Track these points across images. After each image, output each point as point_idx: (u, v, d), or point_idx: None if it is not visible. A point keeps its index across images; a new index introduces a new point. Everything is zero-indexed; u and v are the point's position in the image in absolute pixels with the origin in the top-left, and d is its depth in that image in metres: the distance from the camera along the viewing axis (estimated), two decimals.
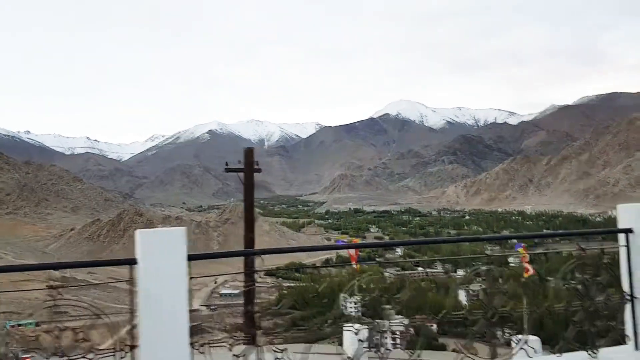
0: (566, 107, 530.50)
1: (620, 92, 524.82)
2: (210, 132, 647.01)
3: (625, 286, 3.83)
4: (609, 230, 4.49)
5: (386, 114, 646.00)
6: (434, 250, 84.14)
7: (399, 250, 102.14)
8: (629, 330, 3.80)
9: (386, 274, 75.65)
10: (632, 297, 3.72)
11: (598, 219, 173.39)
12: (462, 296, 47.63)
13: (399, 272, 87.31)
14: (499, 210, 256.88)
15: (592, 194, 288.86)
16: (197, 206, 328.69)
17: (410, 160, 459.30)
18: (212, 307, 76.15)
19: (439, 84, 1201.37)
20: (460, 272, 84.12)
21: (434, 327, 36.80)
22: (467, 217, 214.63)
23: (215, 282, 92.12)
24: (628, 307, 3.79)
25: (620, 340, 3.85)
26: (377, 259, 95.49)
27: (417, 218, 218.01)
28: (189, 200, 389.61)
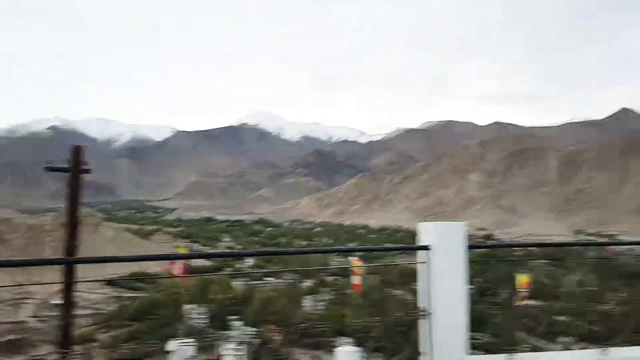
0: (411, 131, 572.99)
1: (456, 121, 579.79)
2: (52, 128, 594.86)
3: (422, 302, 3.90)
4: (409, 247, 4.57)
5: (245, 123, 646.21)
6: (283, 261, 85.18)
7: (250, 260, 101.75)
8: (423, 345, 3.85)
9: (235, 285, 74.89)
10: (428, 313, 3.82)
11: None
12: (308, 306, 48.78)
13: (248, 283, 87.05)
14: (346, 223, 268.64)
15: (429, 212, 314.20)
16: (31, 208, 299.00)
17: (266, 171, 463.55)
18: (42, 319, 69.52)
19: (297, 99, 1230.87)
20: (308, 283, 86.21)
21: (280, 337, 37.15)
22: (317, 229, 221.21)
23: (48, 293, 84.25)
24: (424, 322, 3.81)
25: (416, 355, 3.94)
26: (227, 269, 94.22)
27: (270, 228, 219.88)
28: (23, 201, 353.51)
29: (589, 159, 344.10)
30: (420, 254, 3.98)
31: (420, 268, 3.99)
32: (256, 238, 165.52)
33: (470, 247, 3.97)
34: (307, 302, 45.53)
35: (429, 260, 3.90)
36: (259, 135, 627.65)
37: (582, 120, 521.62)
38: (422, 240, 4.00)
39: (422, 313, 3.87)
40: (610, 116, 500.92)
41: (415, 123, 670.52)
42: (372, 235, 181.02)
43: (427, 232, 4.04)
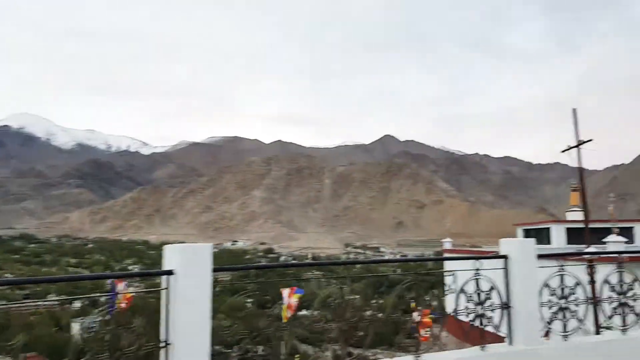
0: (196, 144, 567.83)
1: (242, 137, 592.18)
2: None
3: (163, 331, 3.63)
4: (151, 272, 4.34)
5: (6, 126, 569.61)
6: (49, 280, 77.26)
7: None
8: None
9: None
10: (167, 344, 3.60)
11: (215, 250, 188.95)
12: (76, 330, 45.08)
13: (4, 305, 76.77)
14: (124, 239, 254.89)
15: (212, 226, 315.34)
16: None
17: (31, 180, 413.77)
18: None
19: (71, 103, 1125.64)
20: (77, 304, 79.63)
21: None
22: (89, 245, 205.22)
23: None
24: (163, 354, 3.60)
25: None
26: None
27: (34, 245, 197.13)
28: None
29: (357, 179, 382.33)
30: (164, 279, 3.72)
31: (162, 295, 3.70)
32: (16, 256, 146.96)
33: (216, 269, 3.85)
34: (76, 326, 41.97)
35: (171, 286, 3.67)
36: (24, 140, 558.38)
37: (352, 143, 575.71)
38: (166, 264, 3.75)
39: (162, 344, 3.59)
40: (376, 141, 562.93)
41: (200, 137, 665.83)
42: (152, 252, 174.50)
43: (172, 255, 3.77)
